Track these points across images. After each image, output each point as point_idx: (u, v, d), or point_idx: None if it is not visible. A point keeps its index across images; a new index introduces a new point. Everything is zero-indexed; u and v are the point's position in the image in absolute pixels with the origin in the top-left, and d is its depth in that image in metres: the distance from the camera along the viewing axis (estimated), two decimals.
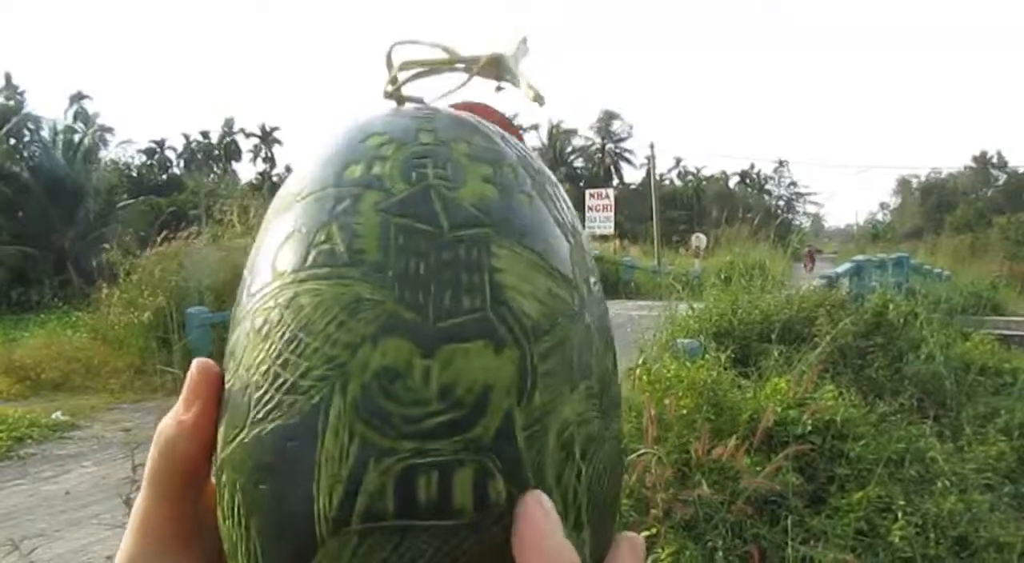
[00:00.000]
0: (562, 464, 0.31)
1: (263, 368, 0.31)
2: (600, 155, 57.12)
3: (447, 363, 0.30)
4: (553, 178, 0.40)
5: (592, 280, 0.37)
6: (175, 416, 0.35)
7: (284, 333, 0.31)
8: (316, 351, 0.30)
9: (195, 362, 0.35)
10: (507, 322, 0.31)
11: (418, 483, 0.29)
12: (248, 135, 57.54)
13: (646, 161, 40.15)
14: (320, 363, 0.30)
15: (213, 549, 0.35)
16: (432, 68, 0.42)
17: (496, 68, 0.42)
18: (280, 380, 0.31)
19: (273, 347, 0.31)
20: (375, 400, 0.29)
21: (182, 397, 0.35)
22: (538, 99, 0.42)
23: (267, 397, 0.31)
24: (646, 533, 3.42)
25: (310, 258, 0.32)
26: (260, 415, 0.31)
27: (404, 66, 0.41)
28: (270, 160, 57.59)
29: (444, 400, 0.29)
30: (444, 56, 0.42)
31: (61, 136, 22.27)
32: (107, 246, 11.73)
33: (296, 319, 0.31)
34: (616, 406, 0.35)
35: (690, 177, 58.51)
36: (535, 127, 52.49)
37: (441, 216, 0.32)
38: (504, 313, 0.31)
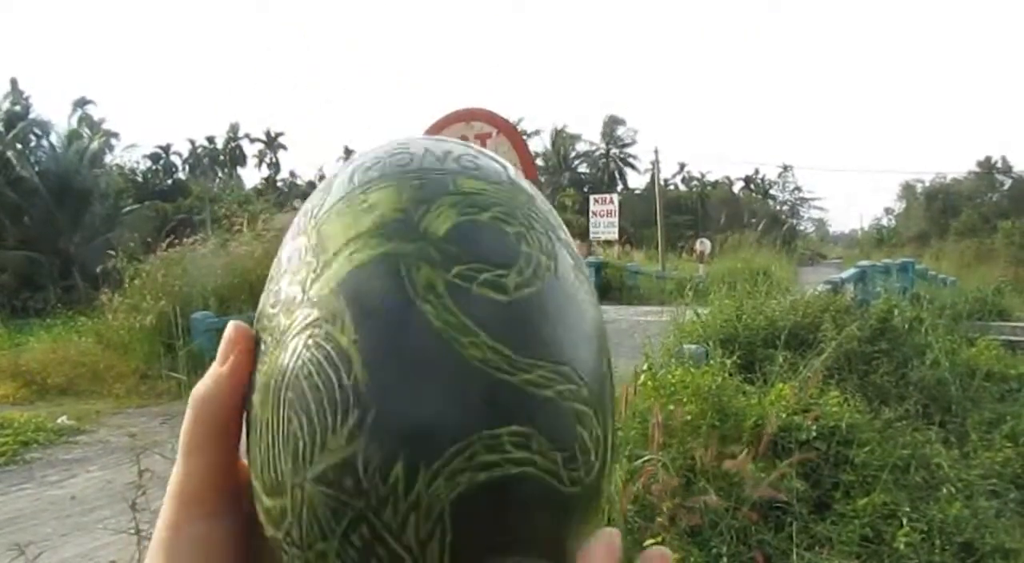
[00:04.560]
0: None
1: None
2: (604, 160, 57.13)
3: None
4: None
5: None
6: (210, 375, 0.38)
7: None
8: None
9: (231, 323, 0.39)
10: None
11: None
12: (253, 140, 57.68)
13: (650, 166, 40.20)
14: None
15: (251, 510, 0.36)
16: None
17: None
18: None
19: None
20: None
21: (218, 356, 0.38)
22: None
23: None
24: (651, 541, 3.41)
25: None
26: None
27: None
28: (275, 165, 57.71)
29: None
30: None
31: (67, 141, 22.34)
32: (112, 251, 11.75)
33: None
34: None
35: (694, 182, 58.48)
36: (538, 132, 52.63)
37: None
38: None
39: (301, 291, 0.36)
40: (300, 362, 0.34)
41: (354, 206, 0.37)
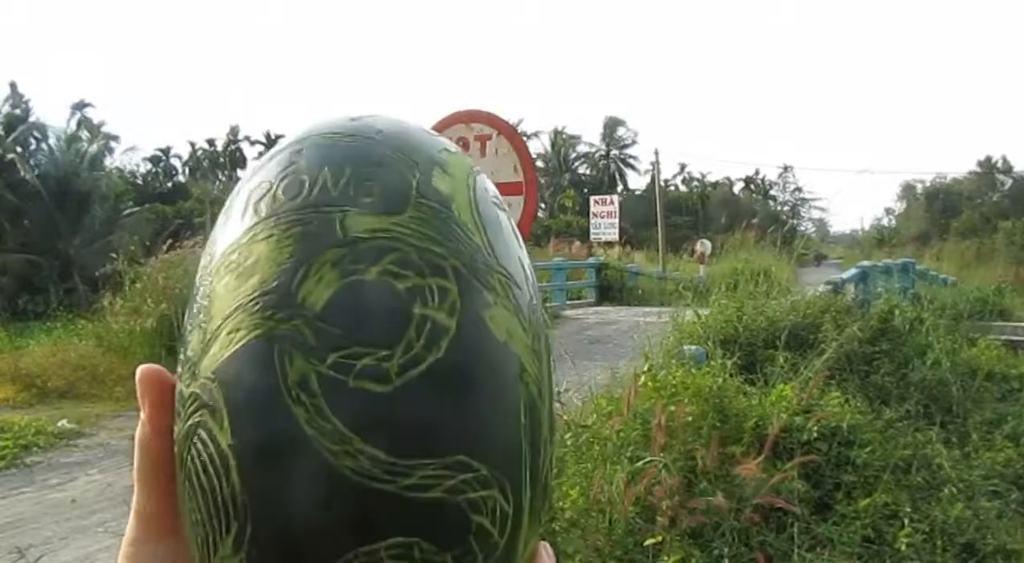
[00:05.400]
0: None
1: None
2: (604, 161, 57.14)
3: None
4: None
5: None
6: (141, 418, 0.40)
7: None
8: None
9: (139, 368, 0.40)
10: None
11: None
12: (253, 143, 57.67)
13: (650, 167, 40.21)
14: None
15: None
16: None
17: None
18: None
19: None
20: None
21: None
22: None
23: None
24: (651, 541, 3.41)
25: None
26: None
27: None
28: None
29: None
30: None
31: (66, 144, 22.35)
32: (113, 254, 11.75)
33: None
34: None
35: (695, 183, 58.50)
36: (537, 134, 52.64)
37: None
38: None
39: (194, 361, 0.35)
40: (191, 457, 0.34)
41: (240, 260, 0.35)
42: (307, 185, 0.36)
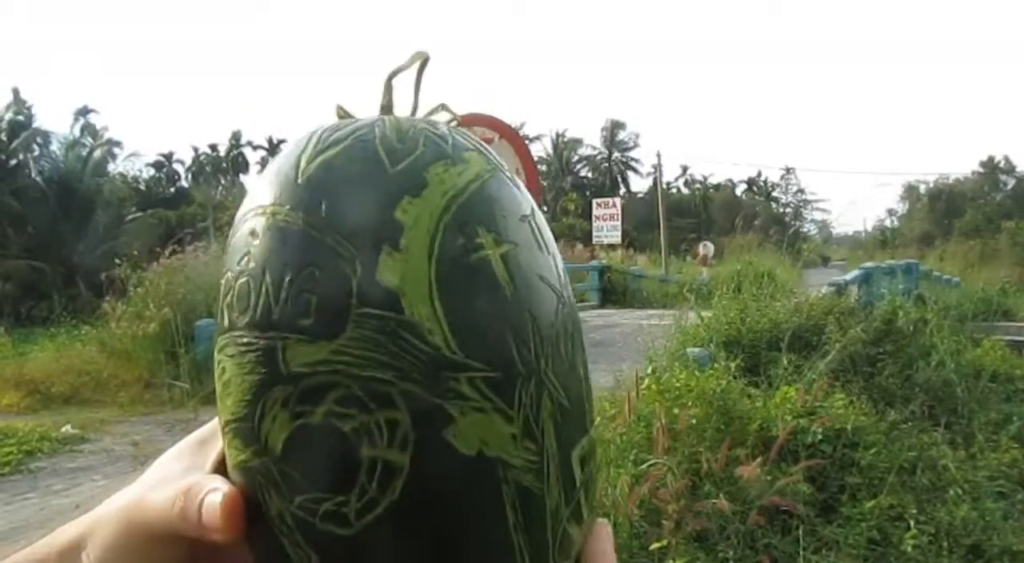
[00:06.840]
0: None
1: None
2: (606, 164, 57.18)
3: None
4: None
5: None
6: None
7: None
8: None
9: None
10: None
11: None
12: (256, 148, 57.82)
13: (652, 170, 40.26)
14: None
15: None
16: None
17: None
18: None
19: None
20: None
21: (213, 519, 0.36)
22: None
23: None
24: (657, 545, 3.40)
25: None
26: None
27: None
28: None
29: None
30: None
31: (69, 150, 22.42)
32: (117, 260, 11.77)
33: None
34: None
35: (697, 185, 58.54)
36: (539, 137, 52.72)
37: None
38: None
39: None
40: None
41: (220, 370, 0.35)
42: (252, 297, 0.34)
